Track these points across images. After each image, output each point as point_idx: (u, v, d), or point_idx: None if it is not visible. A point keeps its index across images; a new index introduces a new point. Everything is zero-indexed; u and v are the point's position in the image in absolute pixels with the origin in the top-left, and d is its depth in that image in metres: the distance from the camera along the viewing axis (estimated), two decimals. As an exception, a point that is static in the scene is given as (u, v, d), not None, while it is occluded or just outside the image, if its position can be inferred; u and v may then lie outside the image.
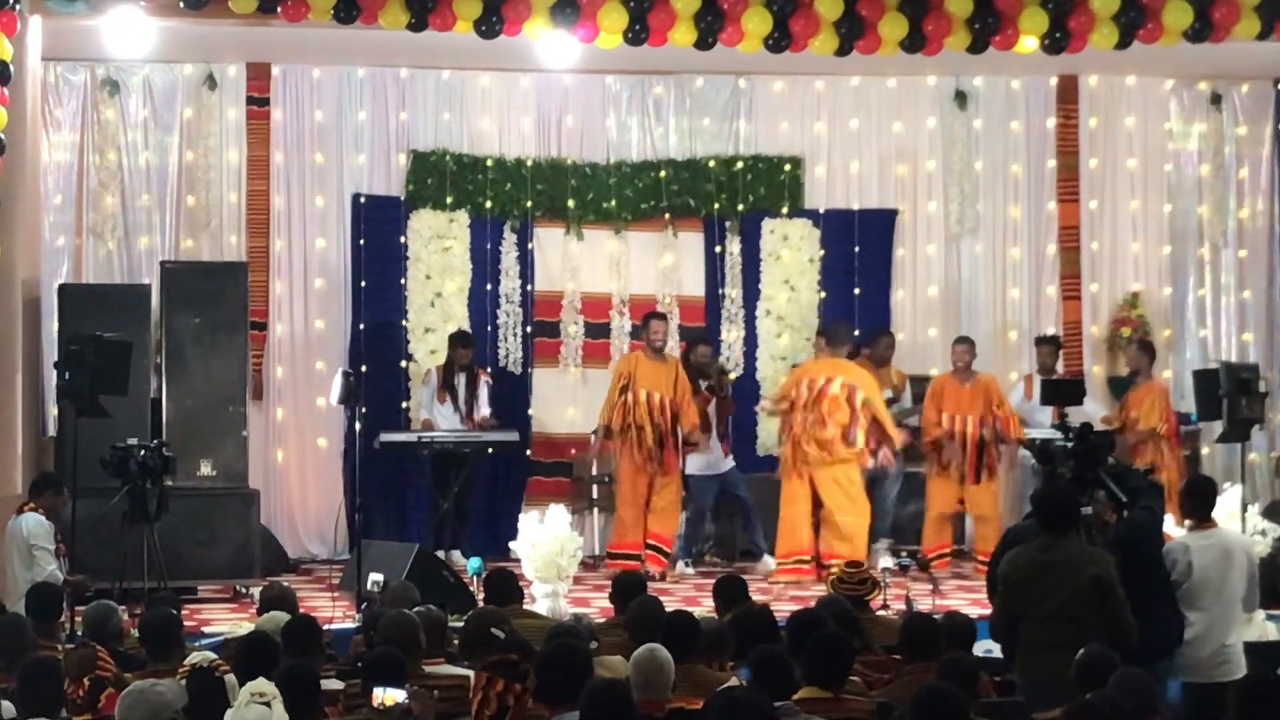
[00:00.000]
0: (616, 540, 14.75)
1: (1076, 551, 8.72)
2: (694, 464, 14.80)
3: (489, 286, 16.02)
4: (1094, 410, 14.96)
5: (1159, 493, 9.72)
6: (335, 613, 12.08)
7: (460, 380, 15.13)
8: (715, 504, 15.15)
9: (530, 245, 16.16)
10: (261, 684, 7.23)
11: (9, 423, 12.87)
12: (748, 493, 15.06)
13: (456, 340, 15.24)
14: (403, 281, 15.89)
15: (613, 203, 16.15)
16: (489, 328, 15.96)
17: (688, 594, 13.58)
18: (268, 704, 7.09)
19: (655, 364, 14.63)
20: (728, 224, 16.30)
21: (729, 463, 15.06)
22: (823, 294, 16.31)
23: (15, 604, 10.30)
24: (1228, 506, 12.70)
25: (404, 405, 15.74)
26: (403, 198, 15.95)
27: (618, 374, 14.76)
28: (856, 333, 15.73)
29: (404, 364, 15.83)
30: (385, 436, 14.82)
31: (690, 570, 14.70)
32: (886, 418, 14.54)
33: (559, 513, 12.72)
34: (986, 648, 9.68)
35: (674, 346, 15.77)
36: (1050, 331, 16.01)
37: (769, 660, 7.27)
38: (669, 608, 9.10)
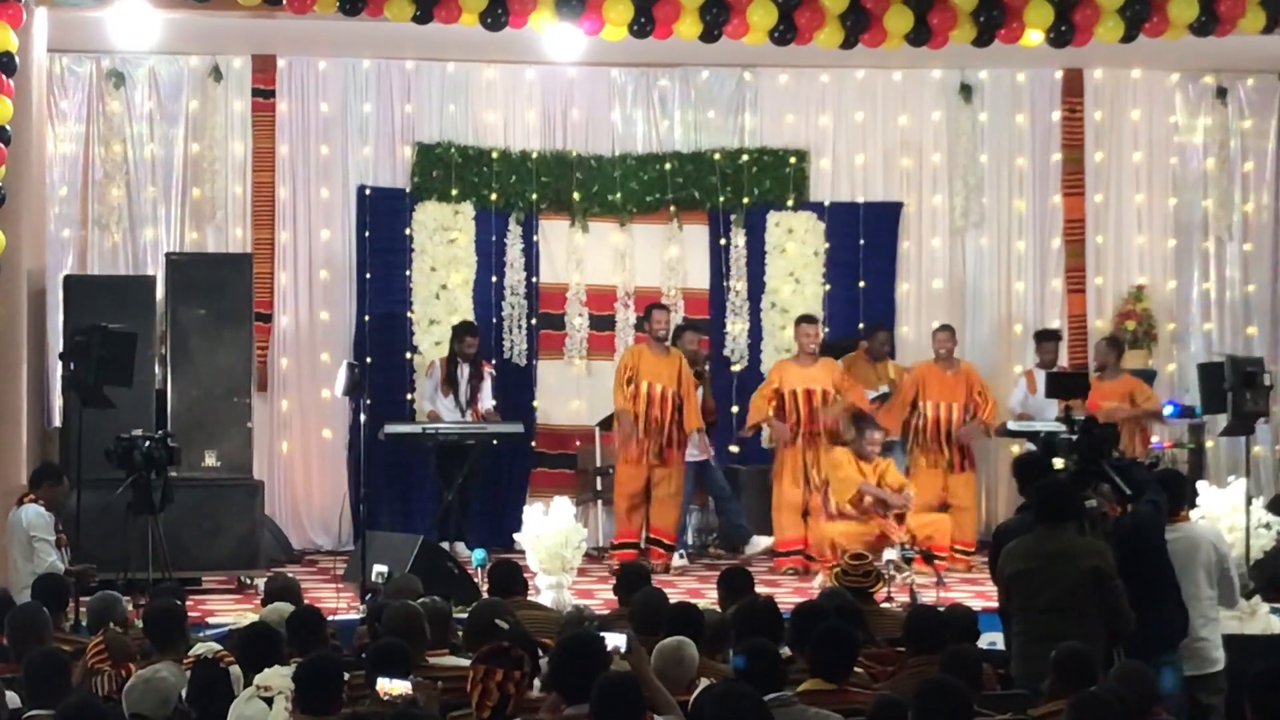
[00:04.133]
0: (617, 531, 14.82)
1: (1074, 543, 8.74)
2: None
3: (494, 279, 16.02)
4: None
5: (1163, 486, 9.71)
6: (340, 604, 12.09)
7: (463, 373, 15.12)
8: (693, 492, 15.19)
9: (535, 237, 16.16)
10: (269, 677, 7.24)
11: (14, 414, 12.88)
12: (724, 480, 15.17)
13: (463, 330, 15.23)
14: (408, 273, 15.89)
15: (618, 195, 16.15)
16: (494, 320, 15.96)
17: (692, 586, 13.58)
18: (269, 700, 7.10)
19: (658, 356, 14.63)
20: (733, 217, 16.31)
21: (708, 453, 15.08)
22: (827, 287, 16.32)
23: (18, 595, 10.30)
24: (1231, 500, 12.73)
25: (409, 397, 15.74)
26: (408, 190, 15.96)
27: (622, 365, 14.77)
28: (861, 326, 15.95)
29: (409, 356, 15.84)
30: (390, 428, 14.80)
31: (683, 562, 14.70)
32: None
33: (563, 504, 12.74)
34: (991, 640, 9.70)
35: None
36: (1051, 326, 16.00)
37: (757, 654, 7.28)
38: (673, 600, 9.11)
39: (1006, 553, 9.00)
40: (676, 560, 14.64)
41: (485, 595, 10.56)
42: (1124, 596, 8.58)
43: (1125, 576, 8.79)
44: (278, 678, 7.28)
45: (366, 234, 15.86)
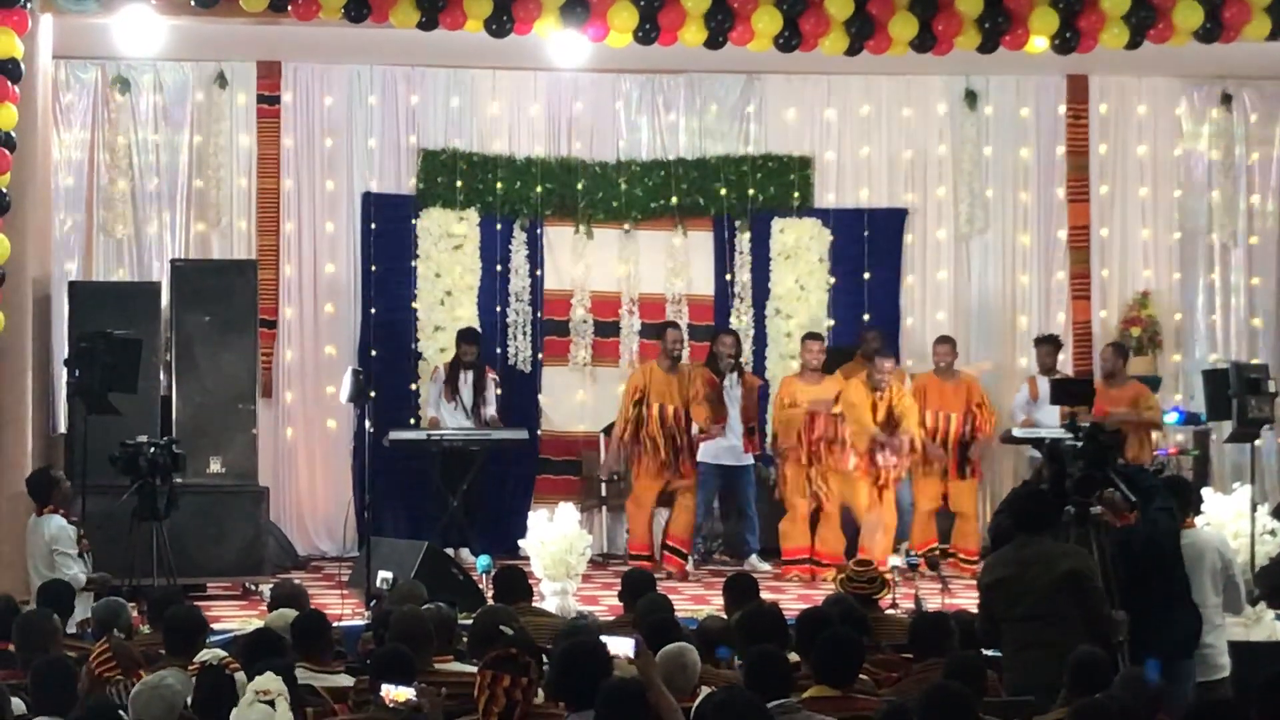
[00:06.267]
0: (629, 542, 14.91)
1: (1051, 548, 8.72)
2: (701, 452, 14.79)
3: (498, 284, 16.03)
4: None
5: (1174, 492, 9.68)
6: (344, 610, 12.10)
7: (466, 379, 15.14)
8: (720, 496, 15.16)
9: (540, 243, 16.17)
10: (267, 681, 7.22)
11: (19, 420, 12.89)
12: (754, 494, 15.05)
13: (461, 337, 15.25)
14: (412, 279, 15.90)
15: (622, 201, 16.15)
16: (498, 326, 15.97)
17: (697, 592, 13.58)
18: (271, 703, 7.09)
19: (669, 376, 14.65)
20: (737, 223, 16.32)
21: (747, 459, 14.98)
22: (832, 292, 16.31)
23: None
24: (1236, 506, 12.71)
25: (414, 402, 15.74)
26: (413, 195, 15.97)
27: (631, 387, 14.77)
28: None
29: (414, 361, 15.84)
30: (395, 434, 14.82)
31: (690, 568, 14.68)
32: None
33: (568, 511, 12.75)
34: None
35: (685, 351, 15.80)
36: (1049, 332, 15.97)
37: (764, 660, 7.27)
38: (678, 605, 9.12)
39: (985, 564, 9.03)
40: (689, 567, 14.66)
41: (490, 601, 10.56)
42: (1104, 600, 8.56)
43: (1140, 584, 8.78)
44: (271, 680, 7.27)
45: (371, 240, 15.87)
